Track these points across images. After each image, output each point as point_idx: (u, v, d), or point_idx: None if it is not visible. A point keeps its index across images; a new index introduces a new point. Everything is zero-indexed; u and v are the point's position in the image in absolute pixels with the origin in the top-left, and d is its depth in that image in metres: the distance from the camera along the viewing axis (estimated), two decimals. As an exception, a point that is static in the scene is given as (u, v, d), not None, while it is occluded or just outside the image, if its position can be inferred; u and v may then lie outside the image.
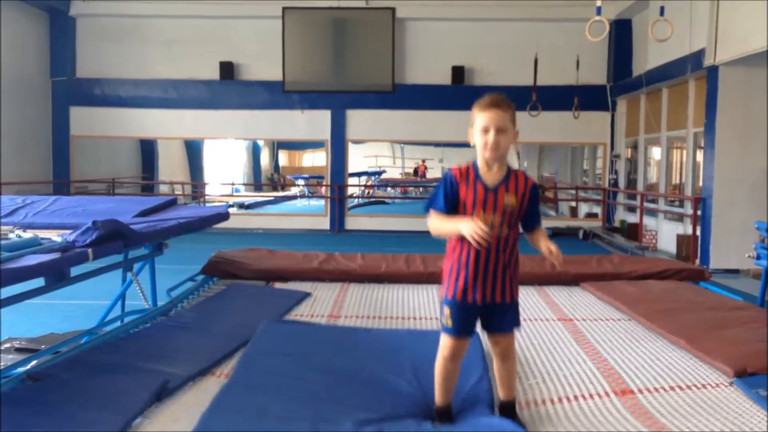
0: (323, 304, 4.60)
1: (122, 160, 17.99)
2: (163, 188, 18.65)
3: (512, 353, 2.81)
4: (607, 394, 2.96)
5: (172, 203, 5.74)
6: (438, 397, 2.86)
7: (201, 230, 5.14)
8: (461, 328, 2.74)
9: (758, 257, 4.43)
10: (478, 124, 2.70)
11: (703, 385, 2.97)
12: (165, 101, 15.14)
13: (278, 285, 5.19)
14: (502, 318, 2.75)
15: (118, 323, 4.53)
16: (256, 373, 3.04)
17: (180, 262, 6.71)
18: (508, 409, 2.83)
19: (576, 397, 2.96)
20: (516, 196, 2.69)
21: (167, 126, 15.42)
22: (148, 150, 18.29)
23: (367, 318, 4.29)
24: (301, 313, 4.39)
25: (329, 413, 2.65)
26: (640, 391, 2.95)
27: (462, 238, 2.66)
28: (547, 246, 2.72)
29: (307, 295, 4.84)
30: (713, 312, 3.89)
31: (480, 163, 2.73)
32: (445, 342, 2.78)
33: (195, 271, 5.41)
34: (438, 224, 2.71)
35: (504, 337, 2.78)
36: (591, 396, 2.96)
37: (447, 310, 2.76)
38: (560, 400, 2.95)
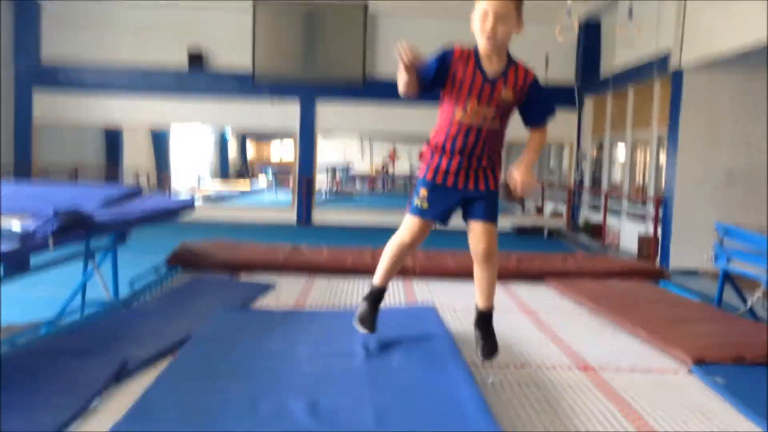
0: (289, 295, 4.59)
1: (86, 148, 17.66)
2: (128, 178, 18.38)
3: (491, 255, 2.75)
4: (570, 367, 3.04)
5: (136, 193, 5.66)
6: (377, 278, 2.87)
7: (166, 221, 5.08)
8: (432, 211, 2.71)
9: (716, 258, 4.52)
10: (478, 8, 2.59)
11: (663, 371, 3.05)
12: (132, 89, 14.90)
13: (244, 276, 5.16)
14: (480, 206, 2.71)
15: (78, 314, 4.47)
16: (193, 359, 2.99)
17: (144, 253, 6.63)
18: (484, 320, 2.81)
19: (539, 366, 3.01)
20: (513, 91, 2.62)
21: (133, 114, 15.18)
22: (113, 139, 17.99)
23: (332, 307, 4.29)
24: (266, 303, 4.37)
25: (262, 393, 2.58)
26: (602, 369, 3.03)
27: (449, 124, 2.62)
28: (520, 171, 2.66)
29: (272, 286, 4.82)
30: (672, 308, 3.97)
31: (480, 50, 2.62)
32: (410, 222, 2.76)
33: (159, 262, 5.35)
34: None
35: (481, 225, 2.72)
36: (554, 367, 3.03)
37: (423, 191, 2.73)
38: (522, 366, 3.02)
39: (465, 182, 2.68)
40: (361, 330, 2.94)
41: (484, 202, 2.71)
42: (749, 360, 2.96)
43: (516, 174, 2.67)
